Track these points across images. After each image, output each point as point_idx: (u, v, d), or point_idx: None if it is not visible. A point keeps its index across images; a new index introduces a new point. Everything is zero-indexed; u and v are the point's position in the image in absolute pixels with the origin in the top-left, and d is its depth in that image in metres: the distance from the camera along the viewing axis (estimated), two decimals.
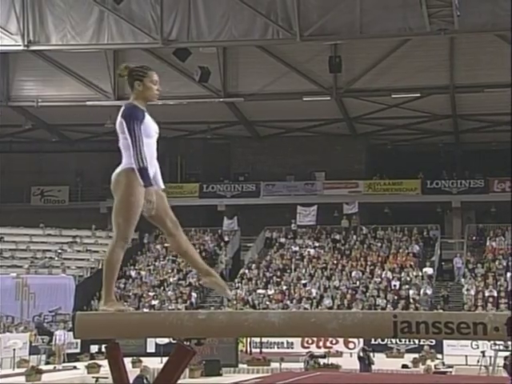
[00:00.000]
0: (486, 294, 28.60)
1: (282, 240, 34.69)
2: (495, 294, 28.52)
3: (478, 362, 20.86)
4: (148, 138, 5.21)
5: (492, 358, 20.81)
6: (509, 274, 29.64)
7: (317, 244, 33.92)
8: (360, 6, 23.92)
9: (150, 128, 5.25)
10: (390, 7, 23.53)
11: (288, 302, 29.12)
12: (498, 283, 29.34)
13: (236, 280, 31.56)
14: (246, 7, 24.48)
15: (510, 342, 19.69)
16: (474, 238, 34.00)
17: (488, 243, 32.52)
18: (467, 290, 29.05)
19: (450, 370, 21.33)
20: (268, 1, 24.33)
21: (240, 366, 22.58)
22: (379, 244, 33.37)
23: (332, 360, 22.23)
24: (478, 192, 34.15)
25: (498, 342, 19.73)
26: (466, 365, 22.08)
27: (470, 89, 29.08)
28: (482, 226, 34.51)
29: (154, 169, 5.23)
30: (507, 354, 20.05)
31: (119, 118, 5.19)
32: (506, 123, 32.72)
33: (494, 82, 28.00)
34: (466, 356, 22.72)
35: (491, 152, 34.90)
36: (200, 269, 5.47)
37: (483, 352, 20.93)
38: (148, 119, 5.26)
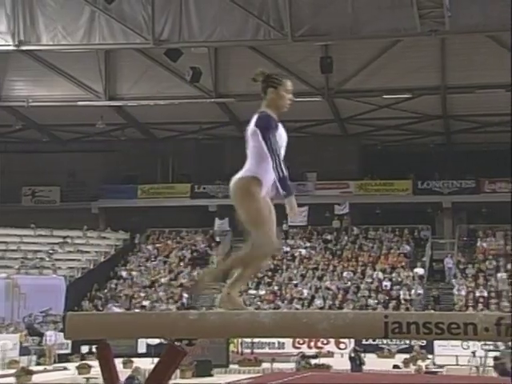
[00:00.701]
0: (477, 294, 28.69)
1: None
2: (486, 295, 28.62)
3: (469, 362, 20.93)
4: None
5: (482, 358, 20.88)
6: (499, 275, 29.75)
7: (308, 244, 33.94)
8: (351, 7, 23.95)
9: (282, 138, 5.23)
10: (381, 8, 23.56)
11: (279, 303, 29.13)
12: (489, 283, 29.44)
13: (227, 280, 31.52)
14: (237, 8, 24.49)
15: (499, 343, 19.76)
16: (465, 238, 34.08)
17: (479, 244, 32.62)
18: (458, 290, 29.14)
19: (441, 370, 21.38)
20: (260, 1, 24.34)
21: (231, 366, 22.57)
22: (370, 244, 33.42)
23: (323, 360, 22.27)
24: (469, 192, 34.24)
25: (488, 342, 19.79)
26: (457, 365, 22.13)
27: (461, 89, 29.15)
28: (473, 226, 34.60)
29: (271, 177, 5.17)
30: (497, 354, 20.13)
31: (252, 126, 5.15)
32: (497, 124, 32.84)
33: (485, 82, 28.08)
34: (457, 356, 22.78)
35: (482, 153, 34.97)
36: (232, 288, 5.39)
37: (474, 352, 21.01)
38: (280, 128, 5.25)
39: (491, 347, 20.85)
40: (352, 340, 22.64)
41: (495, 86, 27.94)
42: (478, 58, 26.94)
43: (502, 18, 22.29)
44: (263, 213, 5.14)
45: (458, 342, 21.49)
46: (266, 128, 5.09)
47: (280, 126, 5.23)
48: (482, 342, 19.96)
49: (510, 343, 20.25)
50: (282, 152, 5.18)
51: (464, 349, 22.30)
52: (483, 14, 22.26)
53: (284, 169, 5.01)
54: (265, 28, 24.61)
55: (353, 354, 21.46)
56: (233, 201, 5.18)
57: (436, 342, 22.86)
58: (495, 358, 19.87)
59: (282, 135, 5.24)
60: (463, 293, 28.90)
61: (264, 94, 5.33)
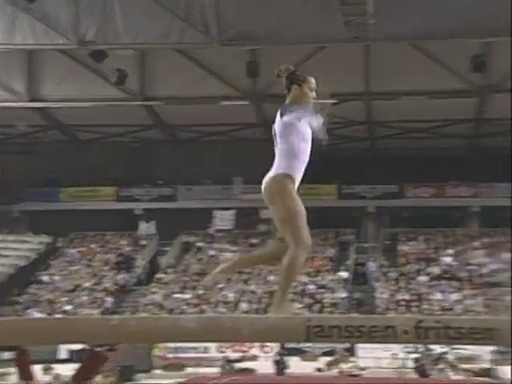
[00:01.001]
0: (399, 297, 29.20)
1: (200, 244, 34.58)
2: (407, 298, 29.15)
3: (390, 364, 21.30)
4: (304, 143, 5.36)
5: (403, 361, 21.27)
6: (420, 278, 30.35)
7: (234, 248, 33.95)
8: (278, 12, 24.09)
9: (308, 133, 5.37)
10: (307, 14, 23.76)
11: (205, 307, 29.04)
12: (410, 287, 30.01)
13: (152, 284, 31.29)
14: (163, 10, 24.32)
15: (419, 345, 20.18)
16: (388, 242, 34.68)
17: (401, 247, 33.23)
18: (380, 293, 29.61)
19: (363, 372, 21.68)
20: (186, 4, 24.22)
21: (155, 371, 22.38)
22: None
23: (248, 364, 22.30)
24: (393, 197, 34.87)
25: (409, 345, 20.16)
26: (379, 367, 22.47)
27: (384, 96, 29.66)
28: (396, 230, 35.25)
29: (301, 174, 5.43)
30: (417, 356, 20.55)
31: (286, 118, 5.29)
32: (420, 130, 33.55)
33: (408, 89, 28.65)
34: (379, 358, 23.11)
35: (406, 158, 35.64)
36: (235, 268, 5.55)
37: (395, 354, 21.37)
38: (304, 124, 5.33)
39: (412, 349, 21.26)
40: (277, 343, 22.72)
41: (418, 92, 28.54)
42: (401, 65, 27.43)
43: (425, 27, 22.77)
44: (299, 209, 5.24)
45: (380, 345, 21.81)
46: (292, 110, 5.26)
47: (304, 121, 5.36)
48: (404, 345, 20.32)
49: (429, 345, 20.73)
50: (308, 147, 5.38)
51: (386, 351, 22.65)
52: (407, 23, 22.68)
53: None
54: (191, 31, 24.51)
55: (277, 358, 21.55)
56: (267, 199, 5.32)
57: (359, 345, 23.15)
58: (415, 360, 20.30)
59: (308, 130, 5.40)
60: (385, 296, 29.37)
61: (288, 91, 5.45)
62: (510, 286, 28.99)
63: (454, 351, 23.88)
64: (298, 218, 5.22)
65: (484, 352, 23.39)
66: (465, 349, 23.88)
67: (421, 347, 21.37)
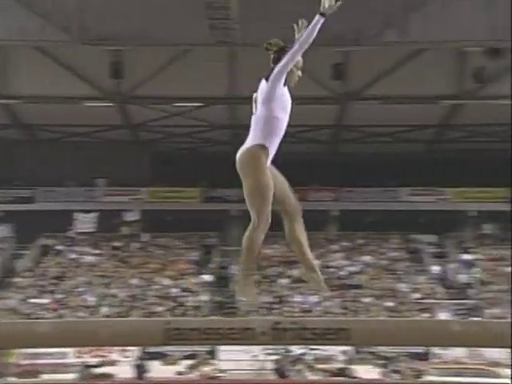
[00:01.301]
0: (261, 300, 29.55)
1: (59, 247, 33.69)
2: (269, 300, 29.56)
3: (251, 366, 21.50)
4: (284, 113, 5.26)
5: (263, 362, 21.55)
6: (281, 281, 30.88)
7: (96, 251, 33.31)
8: (143, 13, 23.86)
9: (288, 103, 5.28)
10: (172, 16, 23.68)
11: (63, 311, 28.29)
12: (272, 289, 30.46)
13: (7, 289, 30.18)
14: (20, 6, 23.49)
15: (279, 346, 20.53)
16: None
17: (264, 250, 33.63)
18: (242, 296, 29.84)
19: (225, 375, 21.78)
20: (47, 1, 23.53)
21: (8, 379, 21.55)
22: (159, 251, 33.43)
23: (108, 369, 21.89)
24: None
25: (269, 346, 20.46)
26: (240, 369, 22.64)
27: (248, 100, 29.85)
28: None
29: (275, 147, 5.27)
30: (277, 357, 20.89)
31: (266, 85, 5.22)
32: (284, 135, 34.01)
33: None
34: (240, 360, 23.27)
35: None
36: (306, 262, 5.33)
37: (255, 356, 21.62)
38: (286, 95, 5.29)
39: (272, 351, 21.57)
40: (138, 347, 22.44)
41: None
42: (266, 70, 27.74)
43: (287, 34, 23.11)
44: (269, 184, 5.19)
45: (241, 347, 21.98)
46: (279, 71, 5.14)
47: (287, 93, 5.32)
48: (263, 346, 20.60)
49: (288, 346, 21.12)
50: (286, 119, 5.29)
51: (246, 353, 22.85)
52: (272, 29, 22.94)
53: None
54: (51, 29, 23.83)
55: (137, 362, 21.30)
56: (240, 170, 5.26)
57: (220, 347, 23.24)
58: (275, 362, 20.61)
59: (288, 100, 5.33)
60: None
61: (274, 65, 5.34)
62: (367, 288, 30.04)
63: (312, 352, 24.50)
64: (266, 194, 5.20)
65: (337, 352, 24.13)
66: (322, 349, 24.54)
67: (280, 348, 21.72)
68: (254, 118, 5.35)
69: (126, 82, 28.71)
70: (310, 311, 28.78)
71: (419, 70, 27.36)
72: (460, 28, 22.65)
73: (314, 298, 29.55)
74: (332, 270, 31.75)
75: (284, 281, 31.03)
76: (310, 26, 5.07)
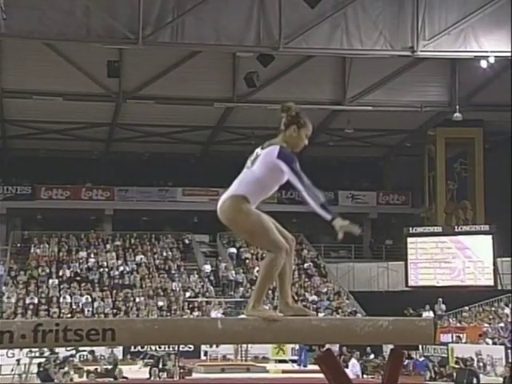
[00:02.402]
0: (27, 301, 28.54)
1: None
2: (36, 301, 28.60)
3: (13, 370, 20.58)
4: (276, 185, 5.36)
5: (27, 366, 20.71)
6: (51, 281, 29.95)
7: None
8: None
9: (284, 175, 5.28)
10: None
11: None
12: (40, 290, 29.49)
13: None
14: None
15: (45, 349, 19.84)
16: (19, 245, 33.77)
17: (32, 250, 32.49)
18: (8, 297, 28.69)
19: None
20: None
21: None
22: None
23: None
24: (25, 199, 33.98)
25: (33, 350, 19.69)
26: (1, 374, 21.62)
27: (17, 94, 28.64)
28: (28, 233, 34.45)
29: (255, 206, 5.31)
30: (42, 360, 20.17)
31: (275, 158, 5.20)
32: (54, 131, 33.04)
33: (41, 89, 27.98)
34: (2, 365, 22.19)
35: (39, 159, 35.06)
36: (283, 297, 5.39)
37: (18, 360, 20.73)
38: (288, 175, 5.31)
39: (37, 354, 20.80)
40: None
41: (51, 93, 28.01)
42: (33, 64, 26.71)
43: (59, 27, 22.33)
44: (261, 221, 5.20)
45: (3, 351, 20.98)
46: (293, 161, 5.16)
47: None
48: (28, 350, 19.80)
49: (55, 349, 20.47)
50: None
51: (9, 357, 21.85)
52: (40, 21, 22.05)
53: (319, 195, 5.06)
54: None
55: None
56: (226, 222, 5.23)
57: None
58: (39, 365, 19.89)
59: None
60: (13, 300, 28.54)
61: (284, 128, 5.35)
62: (139, 288, 29.95)
63: (80, 353, 23.99)
64: (265, 227, 5.21)
65: (107, 353, 23.83)
66: (91, 351, 24.10)
67: (47, 351, 21.01)
68: (247, 171, 5.35)
69: None
70: (81, 312, 28.19)
71: (196, 72, 27.66)
72: (232, 33, 23.11)
73: (84, 299, 28.98)
74: (105, 269, 31.31)
75: (53, 281, 30.12)
76: (313, 204, 5.08)
